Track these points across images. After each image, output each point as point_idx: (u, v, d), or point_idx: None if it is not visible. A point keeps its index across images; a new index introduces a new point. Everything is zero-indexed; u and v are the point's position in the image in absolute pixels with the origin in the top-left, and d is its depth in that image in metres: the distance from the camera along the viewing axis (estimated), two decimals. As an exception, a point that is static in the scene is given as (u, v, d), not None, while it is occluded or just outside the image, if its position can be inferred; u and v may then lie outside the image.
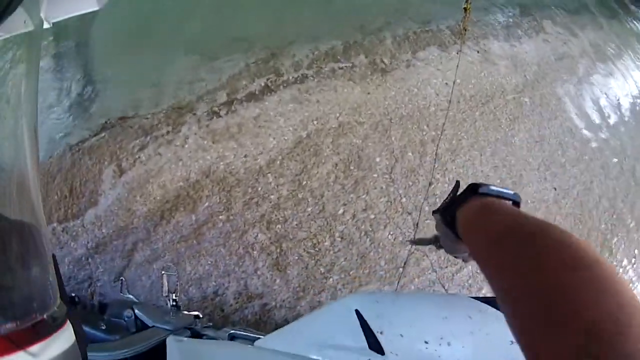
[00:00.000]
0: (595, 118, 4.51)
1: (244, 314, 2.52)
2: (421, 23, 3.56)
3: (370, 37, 3.23)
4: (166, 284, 1.69)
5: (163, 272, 1.77)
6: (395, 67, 3.08)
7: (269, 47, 3.14)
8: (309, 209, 2.54)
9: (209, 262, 2.58)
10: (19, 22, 0.54)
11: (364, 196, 2.58)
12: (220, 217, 2.58)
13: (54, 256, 0.62)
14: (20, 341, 0.45)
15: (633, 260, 3.69)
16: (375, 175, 2.64)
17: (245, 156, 2.59)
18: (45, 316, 0.51)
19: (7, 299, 0.49)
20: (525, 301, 0.43)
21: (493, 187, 0.66)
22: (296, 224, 2.54)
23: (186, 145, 2.68)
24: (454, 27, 3.63)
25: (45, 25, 0.70)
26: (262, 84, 2.86)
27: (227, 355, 1.03)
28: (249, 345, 1.06)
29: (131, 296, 1.70)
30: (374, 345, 0.93)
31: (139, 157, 2.73)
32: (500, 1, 5.02)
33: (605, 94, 5.07)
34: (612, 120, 4.84)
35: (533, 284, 0.43)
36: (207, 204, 2.60)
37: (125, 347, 1.15)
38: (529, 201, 3.20)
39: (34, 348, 0.46)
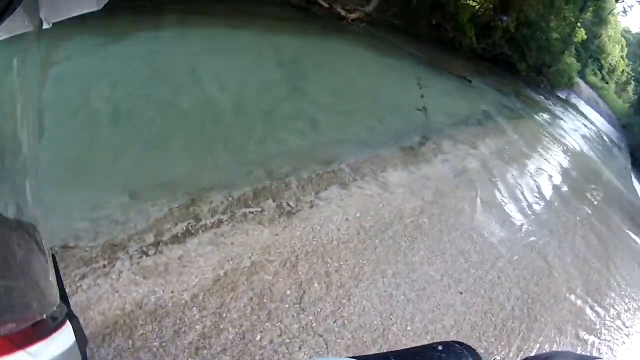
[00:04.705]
0: (495, 221, 5.73)
1: None
2: (324, 164, 4.77)
3: (277, 182, 4.32)
4: None
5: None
6: (300, 208, 4.08)
7: (189, 193, 4.04)
8: (231, 337, 3.21)
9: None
10: (18, 23, 0.57)
11: (278, 324, 3.35)
12: (154, 343, 3.18)
13: (53, 256, 0.70)
14: (20, 341, 0.49)
15: (557, 335, 4.62)
16: (287, 305, 3.40)
17: (172, 292, 3.25)
18: (45, 316, 0.56)
19: (6, 299, 0.53)
20: None
21: None
22: (220, 350, 3.19)
23: (120, 279, 3.27)
24: (354, 164, 4.88)
25: (45, 26, 0.74)
26: (184, 228, 3.66)
27: None
28: None
29: None
30: None
31: (80, 285, 3.21)
32: (399, 131, 6.57)
33: (504, 198, 6.51)
34: (513, 219, 6.16)
35: None
36: (141, 331, 3.15)
37: None
38: (434, 309, 3.98)
39: (33, 348, 0.50)
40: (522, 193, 7.26)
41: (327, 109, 6.89)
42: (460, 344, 0.89)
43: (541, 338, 4.47)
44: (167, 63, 6.59)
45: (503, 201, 6.50)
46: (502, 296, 4.62)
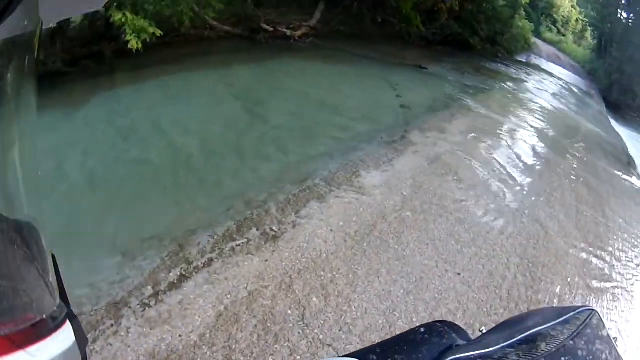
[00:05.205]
0: (478, 197, 5.94)
1: None
2: (298, 183, 5.03)
3: (257, 210, 4.57)
4: None
5: None
6: (284, 230, 4.30)
7: (176, 240, 4.27)
8: (244, 365, 3.47)
9: None
10: (18, 23, 0.58)
11: (286, 344, 3.54)
12: (172, 386, 3.39)
13: (53, 256, 0.70)
14: (20, 341, 0.51)
15: (567, 290, 4.78)
16: (291, 325, 3.58)
17: (180, 335, 3.44)
18: (45, 316, 0.57)
19: (6, 299, 0.55)
20: None
21: None
22: (236, 380, 3.41)
23: (130, 335, 3.46)
24: (327, 176, 5.14)
25: (45, 26, 0.74)
26: (178, 274, 3.87)
27: None
28: None
29: None
30: None
31: (94, 348, 3.41)
32: (364, 134, 6.83)
33: (483, 173, 6.72)
34: (497, 190, 6.38)
35: None
36: (158, 378, 3.42)
37: None
38: (436, 296, 4.15)
39: (33, 348, 0.52)
40: (501, 164, 7.48)
41: (290, 129, 7.19)
42: (443, 322, 0.93)
43: (548, 297, 4.63)
44: (128, 120, 6.87)
45: (483, 176, 6.73)
46: (501, 267, 4.79)
